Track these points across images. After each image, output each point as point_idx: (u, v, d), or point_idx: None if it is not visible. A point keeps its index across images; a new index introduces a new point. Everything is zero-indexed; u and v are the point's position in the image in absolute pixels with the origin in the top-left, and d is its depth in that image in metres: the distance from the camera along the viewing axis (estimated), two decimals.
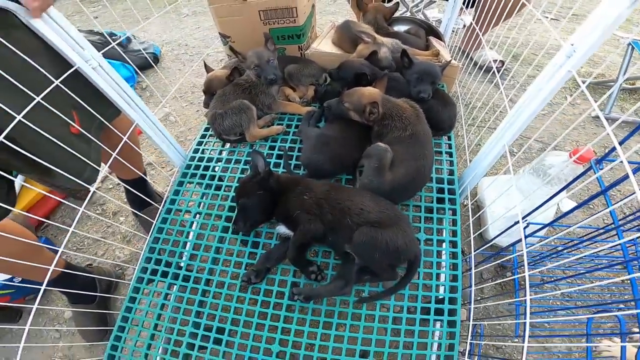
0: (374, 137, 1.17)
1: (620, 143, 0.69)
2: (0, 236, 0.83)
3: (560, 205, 1.42)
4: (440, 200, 1.18)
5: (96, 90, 0.96)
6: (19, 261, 0.84)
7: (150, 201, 1.22)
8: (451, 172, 1.24)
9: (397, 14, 2.02)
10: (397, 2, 2.06)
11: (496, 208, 1.38)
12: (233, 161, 1.30)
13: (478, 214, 1.48)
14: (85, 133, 0.92)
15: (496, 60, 2.31)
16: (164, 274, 1.09)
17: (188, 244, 1.15)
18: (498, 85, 2.22)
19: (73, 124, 0.89)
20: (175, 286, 1.08)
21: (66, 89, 0.84)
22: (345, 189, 1.05)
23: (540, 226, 1.01)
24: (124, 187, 1.50)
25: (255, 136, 1.28)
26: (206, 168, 1.29)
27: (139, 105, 1.07)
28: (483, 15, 1.95)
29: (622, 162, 0.56)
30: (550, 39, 2.61)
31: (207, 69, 1.49)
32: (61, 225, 1.16)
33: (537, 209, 0.95)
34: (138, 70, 1.37)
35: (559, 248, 1.11)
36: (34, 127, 0.76)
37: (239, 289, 1.04)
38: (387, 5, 1.96)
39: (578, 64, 0.77)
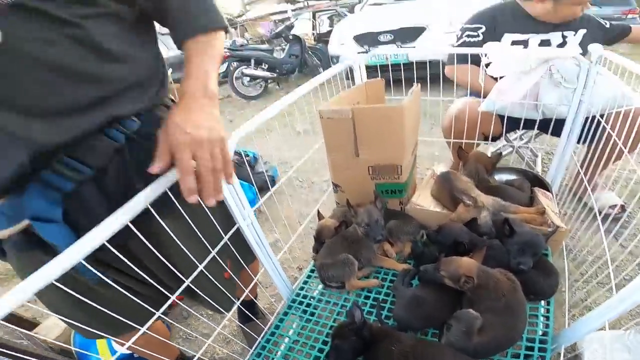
0: (466, 303, 1.19)
1: None
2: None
3: None
4: (528, 357, 1.13)
5: (243, 240, 1.20)
6: (153, 354, 1.10)
7: (255, 319, 1.42)
8: (545, 333, 1.19)
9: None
10: (500, 153, 2.15)
11: None
12: (331, 303, 1.46)
13: None
14: (234, 277, 1.19)
15: (615, 205, 2.04)
16: None
17: None
18: (615, 235, 1.97)
19: (227, 269, 1.17)
20: None
21: (229, 243, 1.12)
22: (430, 345, 1.12)
23: None
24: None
25: (354, 286, 1.43)
26: (308, 305, 1.47)
27: (268, 251, 1.33)
28: (598, 152, 1.72)
29: None
30: None
31: (319, 216, 1.72)
32: (203, 339, 1.41)
33: None
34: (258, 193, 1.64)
35: None
36: (207, 273, 1.03)
37: None
38: (489, 154, 2.03)
39: None
